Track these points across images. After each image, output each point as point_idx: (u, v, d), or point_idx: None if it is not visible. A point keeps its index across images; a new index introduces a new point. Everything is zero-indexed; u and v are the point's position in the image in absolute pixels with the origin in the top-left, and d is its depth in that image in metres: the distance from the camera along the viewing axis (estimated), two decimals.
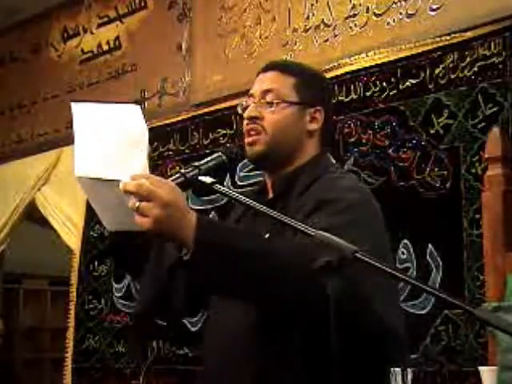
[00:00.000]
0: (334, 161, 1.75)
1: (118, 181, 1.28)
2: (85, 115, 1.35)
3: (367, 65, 3.37)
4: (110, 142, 1.32)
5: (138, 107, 1.34)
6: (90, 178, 1.32)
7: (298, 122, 1.67)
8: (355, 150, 3.34)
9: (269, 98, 1.66)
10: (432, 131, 3.09)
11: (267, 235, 1.54)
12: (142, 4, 4.66)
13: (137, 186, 1.26)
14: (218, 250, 1.30)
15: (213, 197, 3.83)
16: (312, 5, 3.65)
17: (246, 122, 1.68)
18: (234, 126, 3.90)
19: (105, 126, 1.33)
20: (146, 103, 4.51)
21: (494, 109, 2.90)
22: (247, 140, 1.66)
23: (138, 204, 1.26)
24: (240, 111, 1.72)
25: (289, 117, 1.66)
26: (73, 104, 1.36)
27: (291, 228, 1.39)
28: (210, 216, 3.87)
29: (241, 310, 1.48)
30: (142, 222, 1.27)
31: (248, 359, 1.50)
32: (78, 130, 1.34)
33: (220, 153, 1.60)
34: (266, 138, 1.64)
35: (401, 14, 3.30)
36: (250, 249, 1.35)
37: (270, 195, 1.68)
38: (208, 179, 1.39)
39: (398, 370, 2.61)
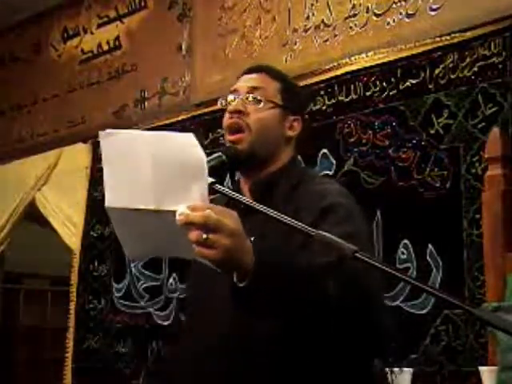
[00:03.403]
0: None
1: (169, 212, 1.22)
2: (116, 146, 1.29)
3: (367, 65, 3.37)
4: (151, 172, 1.25)
5: (192, 135, 1.26)
6: (128, 209, 1.27)
7: (280, 126, 1.68)
8: (355, 149, 3.34)
9: (256, 95, 1.66)
10: (432, 131, 3.09)
11: (252, 239, 1.54)
12: (142, 4, 4.66)
13: (204, 218, 1.19)
14: (276, 273, 1.29)
15: (213, 197, 3.83)
16: (312, 5, 3.65)
17: (229, 115, 1.66)
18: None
19: (146, 156, 1.26)
20: (145, 103, 4.51)
21: (494, 109, 2.90)
22: (230, 138, 1.65)
23: (205, 236, 1.19)
24: (222, 105, 1.71)
25: (272, 118, 1.67)
26: (100, 134, 1.29)
27: (281, 232, 1.39)
28: None
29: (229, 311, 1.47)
30: (209, 253, 1.20)
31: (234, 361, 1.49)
32: (109, 161, 1.30)
33: (220, 153, 1.60)
34: (250, 137, 1.63)
35: (401, 14, 3.30)
36: (299, 267, 1.34)
37: (249, 200, 1.67)
38: (208, 179, 1.39)
39: (398, 369, 2.61)
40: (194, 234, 1.20)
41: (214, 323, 1.54)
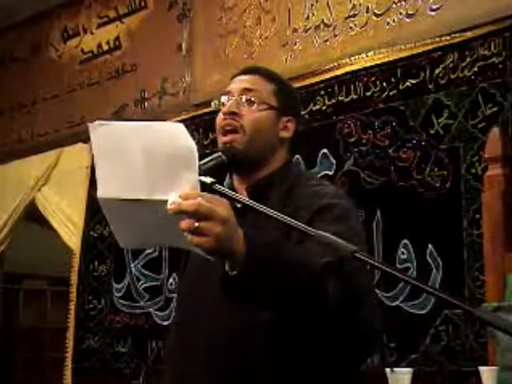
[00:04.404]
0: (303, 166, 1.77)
1: (160, 201, 1.21)
2: (106, 137, 1.29)
3: (367, 65, 3.37)
4: (142, 162, 1.25)
5: (182, 125, 1.25)
6: (120, 200, 1.27)
7: (274, 127, 1.68)
8: (355, 149, 3.34)
9: (249, 96, 1.66)
10: (432, 131, 3.09)
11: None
12: (142, 4, 4.66)
13: (196, 206, 1.18)
14: (267, 261, 1.29)
15: None
16: (312, 5, 3.66)
17: (222, 116, 1.66)
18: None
19: (136, 146, 1.26)
20: (145, 103, 4.51)
21: (494, 109, 2.90)
22: (224, 139, 1.64)
23: (197, 224, 1.19)
24: (215, 106, 1.71)
25: (266, 119, 1.66)
26: (90, 125, 1.29)
27: (280, 232, 1.39)
28: None
29: (224, 311, 1.46)
30: (200, 241, 1.20)
31: (236, 359, 1.49)
32: (100, 152, 1.30)
33: (220, 153, 1.60)
34: (244, 137, 1.63)
35: (401, 14, 3.30)
36: (293, 260, 1.34)
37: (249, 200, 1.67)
38: (208, 179, 1.38)
39: (398, 369, 2.61)
40: (185, 223, 1.19)
41: (205, 323, 1.55)
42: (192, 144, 1.24)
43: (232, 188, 1.71)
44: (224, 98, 1.69)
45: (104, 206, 1.31)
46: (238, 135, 1.64)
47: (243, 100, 1.66)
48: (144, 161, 1.26)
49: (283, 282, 1.31)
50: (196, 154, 1.24)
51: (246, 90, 1.67)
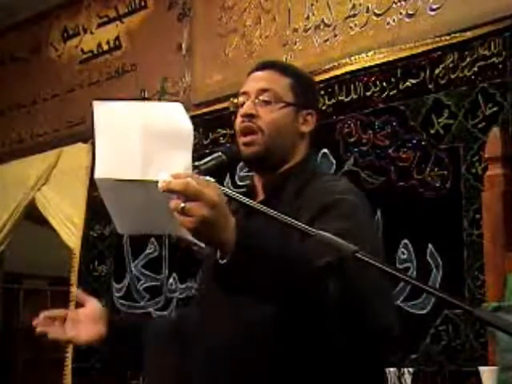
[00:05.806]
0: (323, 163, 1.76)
1: (153, 182, 1.22)
2: (109, 115, 1.30)
3: (367, 65, 3.37)
4: (140, 142, 1.26)
5: (181, 105, 1.27)
6: (115, 180, 1.27)
7: (293, 123, 1.67)
8: (355, 149, 3.34)
9: (266, 96, 1.65)
10: (432, 131, 3.09)
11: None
12: (142, 4, 4.66)
13: (184, 185, 1.19)
14: (257, 253, 1.28)
15: None
16: (312, 5, 3.65)
17: (240, 119, 1.66)
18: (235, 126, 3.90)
19: (136, 125, 1.27)
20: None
21: (494, 109, 2.90)
22: (243, 140, 1.64)
23: (183, 205, 1.19)
24: (232, 109, 1.71)
25: (285, 117, 1.66)
26: (95, 103, 1.30)
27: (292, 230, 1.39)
28: None
29: (235, 312, 1.47)
30: (184, 221, 1.20)
31: (244, 361, 1.49)
32: (101, 130, 1.30)
33: (220, 153, 1.60)
34: (264, 138, 1.63)
35: (401, 14, 3.30)
36: (292, 253, 1.34)
37: (261, 197, 1.66)
38: (208, 179, 1.39)
39: (397, 369, 2.61)
40: (173, 202, 1.20)
41: (209, 323, 1.55)
42: (189, 125, 1.26)
43: (252, 185, 1.72)
44: (241, 99, 1.68)
45: (101, 187, 1.32)
46: (258, 136, 1.63)
47: (260, 100, 1.65)
48: (142, 141, 1.26)
49: (280, 275, 1.30)
50: (192, 136, 1.26)
51: (263, 90, 1.65)
